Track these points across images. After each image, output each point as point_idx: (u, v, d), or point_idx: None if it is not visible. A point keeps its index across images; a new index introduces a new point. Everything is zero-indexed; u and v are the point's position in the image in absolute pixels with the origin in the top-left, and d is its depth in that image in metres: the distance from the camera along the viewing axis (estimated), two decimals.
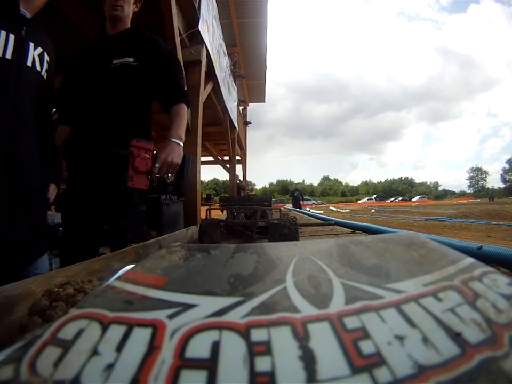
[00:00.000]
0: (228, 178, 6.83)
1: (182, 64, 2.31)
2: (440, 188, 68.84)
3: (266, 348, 0.19)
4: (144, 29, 1.21)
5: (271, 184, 70.27)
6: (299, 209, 9.49)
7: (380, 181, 70.93)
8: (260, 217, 1.60)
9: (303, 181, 68.77)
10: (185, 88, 1.24)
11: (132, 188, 0.99)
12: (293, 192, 11.62)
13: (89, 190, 1.07)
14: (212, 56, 3.05)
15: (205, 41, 2.73)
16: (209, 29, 3.02)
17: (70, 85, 1.15)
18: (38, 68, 0.81)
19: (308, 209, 11.44)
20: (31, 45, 0.79)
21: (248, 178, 10.29)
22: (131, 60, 1.10)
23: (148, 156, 1.00)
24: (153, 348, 0.19)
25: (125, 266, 0.35)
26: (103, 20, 1.18)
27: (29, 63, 0.78)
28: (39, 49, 0.81)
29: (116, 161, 1.04)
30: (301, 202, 11.40)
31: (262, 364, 0.18)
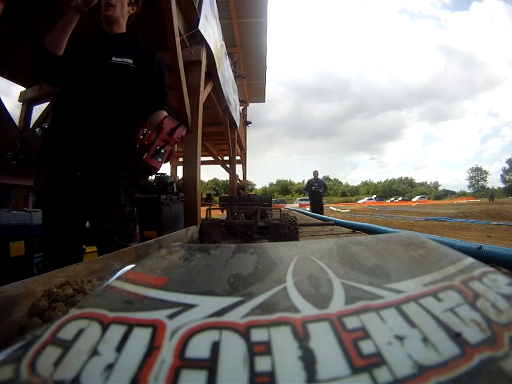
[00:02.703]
0: (228, 178, 6.82)
1: (182, 65, 2.31)
2: (440, 188, 68.90)
3: (266, 348, 0.19)
4: (140, 36, 1.23)
5: (271, 184, 70.33)
6: (318, 215, 5.75)
7: (380, 181, 71.01)
8: (260, 217, 1.60)
9: (303, 181, 68.74)
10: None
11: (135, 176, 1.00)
12: (311, 185, 6.73)
13: (73, 188, 1.03)
14: (214, 56, 3.05)
15: (208, 41, 2.73)
16: (213, 29, 3.02)
17: (63, 77, 1.10)
18: None
19: (308, 209, 10.68)
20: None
21: (248, 178, 10.00)
22: (130, 61, 1.12)
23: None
24: (153, 348, 0.19)
25: (125, 266, 0.35)
26: (101, 22, 1.18)
27: None
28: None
29: (104, 158, 1.03)
30: (323, 202, 7.00)
31: (262, 364, 0.18)
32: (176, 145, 1.01)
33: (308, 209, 11.59)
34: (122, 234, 1.06)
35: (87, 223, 1.10)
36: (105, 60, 1.09)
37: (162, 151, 0.94)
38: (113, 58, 1.10)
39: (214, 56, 3.05)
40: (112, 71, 1.09)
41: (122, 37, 1.18)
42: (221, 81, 3.56)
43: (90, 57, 1.10)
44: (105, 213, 1.05)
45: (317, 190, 6.66)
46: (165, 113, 1.12)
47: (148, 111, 1.15)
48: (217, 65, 3.23)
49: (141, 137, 0.95)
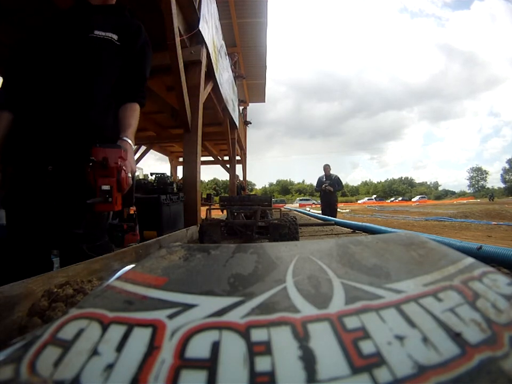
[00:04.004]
0: (228, 178, 6.82)
1: (182, 65, 2.31)
2: (440, 188, 68.94)
3: (266, 348, 0.19)
4: (128, 11, 1.08)
5: (271, 184, 70.29)
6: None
7: (380, 181, 71.02)
8: (260, 217, 1.60)
9: (303, 181, 68.84)
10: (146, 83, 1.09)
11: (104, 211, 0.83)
12: (321, 183, 5.31)
13: (43, 186, 0.88)
14: (212, 56, 3.05)
15: (206, 41, 2.73)
16: (212, 29, 3.02)
17: (29, 57, 0.94)
18: None
19: (307, 209, 10.21)
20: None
21: (248, 178, 9.94)
22: (115, 37, 0.97)
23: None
24: (153, 348, 0.19)
25: (125, 266, 0.35)
26: None
27: None
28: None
29: (81, 149, 0.86)
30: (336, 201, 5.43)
31: (262, 363, 0.18)
32: (124, 170, 0.83)
33: (308, 209, 10.94)
34: (92, 244, 0.90)
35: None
36: (86, 33, 0.94)
37: (107, 188, 0.79)
38: (96, 32, 0.95)
39: (211, 57, 3.05)
40: (94, 46, 0.94)
41: (107, 8, 1.02)
42: (218, 82, 3.55)
43: (67, 31, 0.94)
44: (76, 216, 0.88)
45: (326, 189, 5.14)
46: (133, 109, 0.98)
47: (120, 100, 0.98)
48: (214, 67, 3.23)
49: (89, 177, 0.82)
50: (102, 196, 0.78)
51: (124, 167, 0.83)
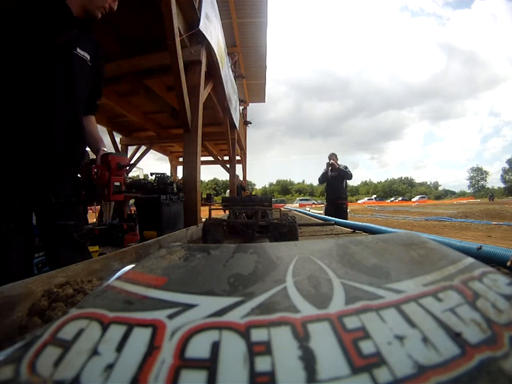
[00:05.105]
0: (228, 178, 6.83)
1: (182, 65, 2.31)
2: (440, 188, 68.96)
3: (266, 348, 0.19)
4: (92, 29, 1.05)
5: (271, 184, 70.31)
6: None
7: (380, 181, 71.04)
8: (261, 217, 1.61)
9: (303, 181, 68.88)
10: None
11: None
12: (324, 178, 4.15)
13: (27, 190, 0.91)
14: (217, 55, 3.04)
15: (210, 40, 2.72)
16: (215, 28, 3.01)
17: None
18: None
19: (307, 209, 9.88)
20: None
21: (248, 178, 9.89)
22: (88, 57, 0.99)
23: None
24: (153, 348, 0.19)
25: (125, 266, 0.35)
26: None
27: None
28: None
29: (59, 154, 0.94)
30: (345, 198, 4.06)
31: (262, 364, 0.18)
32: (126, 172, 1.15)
33: (308, 209, 10.51)
34: (80, 232, 1.03)
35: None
36: (70, 49, 0.93)
37: (118, 184, 1.10)
38: (78, 50, 0.95)
39: (217, 55, 3.04)
40: (76, 65, 0.95)
41: (82, 23, 0.97)
42: (223, 80, 3.55)
43: (50, 36, 0.89)
44: (68, 210, 0.99)
45: (330, 175, 3.96)
46: (95, 120, 1.16)
47: (84, 111, 1.07)
48: (220, 65, 3.23)
49: (95, 176, 1.05)
50: (115, 190, 1.09)
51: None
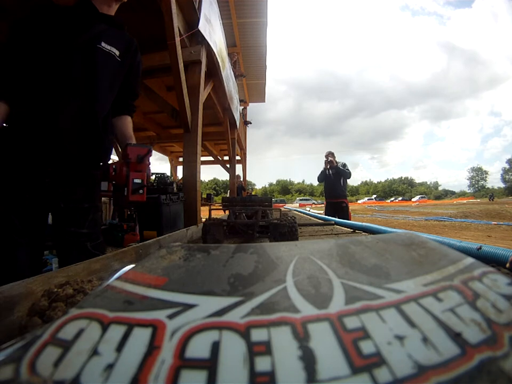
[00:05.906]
0: (228, 178, 6.83)
1: (182, 65, 2.31)
2: (440, 188, 68.98)
3: (266, 348, 0.19)
4: (124, 26, 1.07)
5: (271, 184, 70.30)
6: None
7: (380, 181, 71.06)
8: (261, 217, 1.62)
9: (303, 181, 68.87)
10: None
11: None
12: (322, 176, 4.02)
13: (40, 187, 0.88)
14: (217, 54, 3.04)
15: (208, 40, 2.72)
16: (214, 28, 3.01)
17: (25, 51, 0.88)
18: None
19: (307, 209, 9.81)
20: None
21: (248, 178, 9.90)
22: (117, 53, 0.97)
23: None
24: (153, 348, 0.19)
25: (125, 266, 0.35)
26: None
27: None
28: None
29: (80, 152, 0.91)
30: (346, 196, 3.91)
31: (262, 364, 0.18)
32: (149, 167, 0.94)
33: (308, 208, 10.51)
34: (95, 242, 0.95)
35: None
36: (94, 43, 0.92)
37: (139, 181, 0.90)
38: (103, 44, 0.93)
39: (217, 55, 3.04)
40: (100, 58, 0.93)
41: (110, 19, 0.99)
42: (224, 80, 3.55)
43: (73, 34, 0.90)
44: (78, 216, 0.92)
45: (328, 172, 3.84)
46: (130, 120, 1.09)
47: (116, 111, 1.04)
48: (220, 65, 3.23)
49: (113, 173, 0.90)
50: (135, 188, 0.89)
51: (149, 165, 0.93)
